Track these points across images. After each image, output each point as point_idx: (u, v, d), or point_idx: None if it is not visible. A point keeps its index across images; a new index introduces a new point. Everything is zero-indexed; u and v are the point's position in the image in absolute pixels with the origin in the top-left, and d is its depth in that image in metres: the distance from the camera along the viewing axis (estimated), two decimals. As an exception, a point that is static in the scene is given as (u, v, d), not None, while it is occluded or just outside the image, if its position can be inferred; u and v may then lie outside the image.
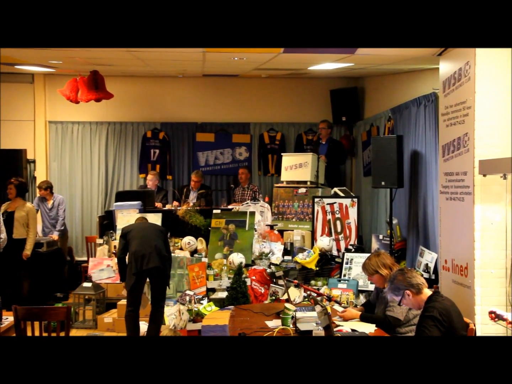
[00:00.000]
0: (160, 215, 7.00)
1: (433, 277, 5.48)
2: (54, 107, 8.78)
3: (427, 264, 5.68)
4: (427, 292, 3.42)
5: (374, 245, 6.81)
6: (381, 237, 6.74)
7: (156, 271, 5.24)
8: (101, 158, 8.89)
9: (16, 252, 6.64)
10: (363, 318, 3.99)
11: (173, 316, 5.62)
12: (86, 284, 6.37)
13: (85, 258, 8.14)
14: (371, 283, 5.35)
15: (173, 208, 7.53)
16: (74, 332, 6.01)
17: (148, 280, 5.45)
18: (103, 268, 6.72)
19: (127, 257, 5.33)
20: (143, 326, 5.52)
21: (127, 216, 6.87)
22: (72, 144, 8.86)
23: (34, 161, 8.78)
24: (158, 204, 7.80)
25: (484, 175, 4.15)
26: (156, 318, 5.35)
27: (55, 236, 7.64)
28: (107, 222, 7.43)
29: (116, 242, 6.61)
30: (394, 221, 6.51)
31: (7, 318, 4.45)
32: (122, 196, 7.61)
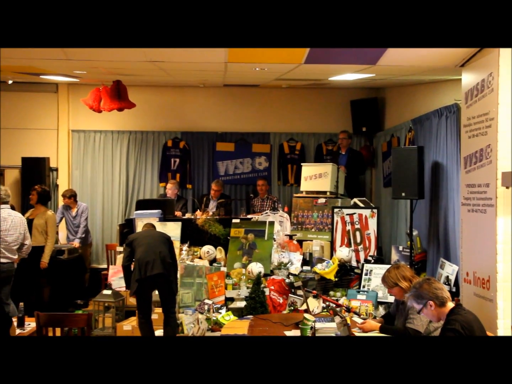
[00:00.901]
0: (179, 223, 7.03)
1: (453, 289, 5.42)
2: (77, 116, 8.91)
3: (447, 277, 5.62)
4: (450, 305, 3.36)
5: (394, 256, 6.75)
6: (401, 248, 6.69)
7: (160, 278, 5.31)
8: (122, 166, 8.98)
9: (34, 260, 6.69)
10: (383, 330, 3.96)
11: (191, 325, 5.64)
12: (106, 292, 6.41)
13: (105, 266, 8.21)
14: (390, 295, 5.31)
15: (192, 217, 7.56)
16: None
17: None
18: (122, 276, 6.76)
19: (132, 264, 5.42)
20: (159, 334, 5.56)
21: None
22: (94, 152, 8.96)
23: (56, 169, 8.90)
24: (178, 213, 7.84)
25: (507, 187, 4.11)
26: (169, 325, 5.38)
27: (76, 243, 7.73)
28: (127, 230, 7.48)
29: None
30: (414, 233, 6.46)
31: (29, 324, 4.52)
32: (142, 204, 7.67)
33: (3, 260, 5.49)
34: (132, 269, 5.46)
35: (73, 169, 8.97)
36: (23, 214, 7.29)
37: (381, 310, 5.77)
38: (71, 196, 7.92)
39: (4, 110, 8.74)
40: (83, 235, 7.90)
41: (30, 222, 6.87)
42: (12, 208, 6.58)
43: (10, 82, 8.20)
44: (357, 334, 3.96)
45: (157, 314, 5.77)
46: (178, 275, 6.22)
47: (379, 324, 4.04)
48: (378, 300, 5.98)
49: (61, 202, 8.80)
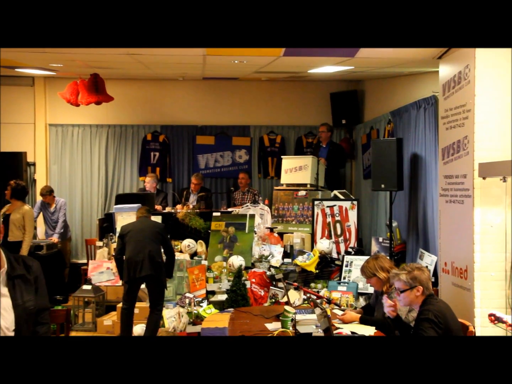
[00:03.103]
0: (159, 217, 7.00)
1: (432, 279, 5.47)
2: (54, 110, 8.80)
3: (426, 267, 5.66)
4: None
5: (374, 247, 6.81)
6: (381, 239, 6.75)
7: (149, 279, 5.39)
8: (101, 161, 8.89)
9: None
10: (363, 321, 3.99)
11: (172, 318, 5.63)
12: (86, 287, 6.37)
13: (85, 261, 8.14)
14: (370, 285, 5.35)
15: (173, 211, 7.53)
16: (73, 335, 6.02)
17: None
18: (102, 271, 6.72)
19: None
20: (141, 328, 5.57)
21: (127, 218, 6.87)
22: (72, 147, 8.86)
23: (34, 164, 8.79)
24: (158, 207, 7.80)
25: (484, 178, 4.16)
26: (152, 321, 5.45)
27: (54, 238, 7.65)
28: (107, 225, 7.44)
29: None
30: (394, 224, 6.52)
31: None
32: (122, 198, 7.62)
33: None
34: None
35: (51, 164, 8.86)
36: (0, 209, 7.20)
37: (362, 301, 5.82)
38: (50, 192, 7.83)
39: (-21, 104, 8.61)
40: (62, 230, 7.82)
41: (7, 217, 6.78)
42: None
43: (-15, 75, 8.05)
44: (337, 325, 3.98)
45: (138, 308, 5.75)
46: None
47: (359, 315, 4.07)
48: (359, 291, 6.03)
49: (39, 197, 8.70)
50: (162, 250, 5.62)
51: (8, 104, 8.70)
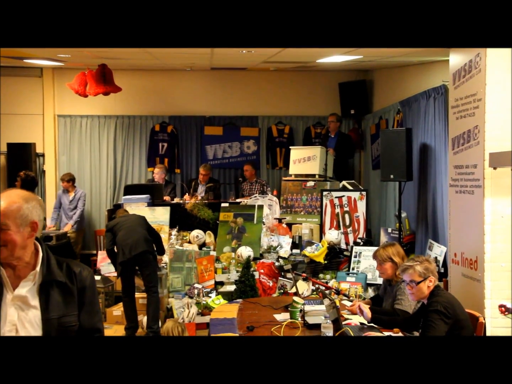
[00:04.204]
0: (168, 208, 7.01)
1: (442, 270, 5.46)
2: (62, 101, 8.81)
3: (436, 258, 5.65)
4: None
5: (383, 238, 6.78)
6: (389, 230, 6.72)
7: (143, 256, 5.54)
8: (109, 151, 8.91)
9: None
10: (372, 311, 3.97)
11: (181, 309, 5.65)
12: (95, 277, 6.39)
13: (94, 252, 8.18)
14: (379, 275, 5.33)
15: (181, 201, 7.54)
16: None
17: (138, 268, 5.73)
18: (111, 262, 6.74)
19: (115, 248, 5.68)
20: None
21: (135, 209, 6.88)
22: (81, 137, 8.88)
23: (43, 155, 8.82)
24: (167, 198, 7.81)
25: (495, 168, 4.11)
26: (151, 304, 5.56)
27: (68, 226, 7.76)
28: (115, 216, 7.45)
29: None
30: (403, 215, 6.49)
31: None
32: (131, 189, 7.62)
33: None
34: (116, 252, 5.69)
35: (59, 155, 8.88)
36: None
37: (371, 292, 5.81)
38: (70, 180, 7.97)
39: (-12, 95, 8.63)
40: (78, 219, 7.92)
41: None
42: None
43: (-7, 66, 8.07)
44: (346, 316, 3.98)
45: (144, 299, 5.79)
46: (167, 260, 6.23)
47: (368, 306, 4.06)
48: (368, 282, 6.01)
49: (48, 187, 8.75)
50: None
51: (17, 95, 8.72)
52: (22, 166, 7.78)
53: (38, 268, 2.05)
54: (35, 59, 7.39)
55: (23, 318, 2.00)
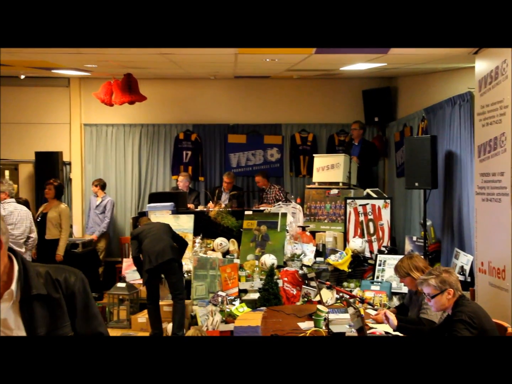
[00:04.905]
0: (192, 216, 7.05)
1: (468, 279, 5.38)
2: (89, 110, 8.94)
3: (462, 267, 5.58)
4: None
5: (408, 247, 6.72)
6: (414, 238, 6.65)
7: (170, 263, 5.62)
8: (134, 159, 9.01)
9: (49, 253, 6.79)
10: (400, 328, 3.93)
11: (205, 317, 5.67)
12: (120, 285, 6.46)
13: (118, 259, 8.27)
14: (404, 285, 5.28)
15: (205, 209, 7.58)
16: (108, 332, 6.11)
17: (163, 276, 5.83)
18: (136, 269, 6.80)
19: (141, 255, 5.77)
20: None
21: (159, 217, 6.94)
22: (106, 146, 9.00)
23: (69, 163, 8.95)
24: (191, 206, 7.86)
25: (522, 176, 4.06)
26: (177, 312, 5.61)
27: (95, 236, 7.89)
28: (138, 224, 7.52)
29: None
30: (428, 223, 6.42)
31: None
32: (155, 197, 7.69)
33: None
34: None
35: (86, 163, 9.01)
36: (37, 208, 7.38)
37: (395, 301, 5.75)
38: (98, 184, 8.24)
39: (17, 105, 8.82)
40: (104, 230, 8.07)
41: (44, 216, 6.94)
42: (26, 202, 6.64)
43: (22, 77, 8.24)
44: (371, 325, 3.95)
45: (169, 306, 5.82)
46: (192, 267, 6.26)
47: (394, 314, 4.02)
48: (392, 290, 5.95)
49: (74, 195, 8.88)
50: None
51: (44, 104, 8.90)
52: (50, 174, 7.92)
53: (13, 286, 1.80)
54: (62, 70, 7.53)
55: None
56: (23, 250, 5.81)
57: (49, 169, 8.33)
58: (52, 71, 7.64)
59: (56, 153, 8.60)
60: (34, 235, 5.93)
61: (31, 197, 8.44)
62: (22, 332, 1.82)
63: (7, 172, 8.81)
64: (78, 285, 1.94)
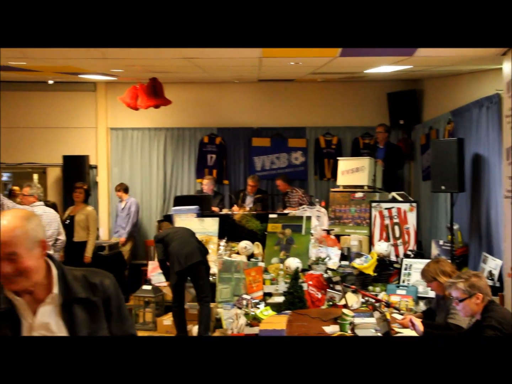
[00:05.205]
0: (217, 219, 7.08)
1: (497, 284, 5.29)
2: (115, 114, 9.05)
3: (490, 271, 5.49)
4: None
5: (434, 251, 6.64)
6: (441, 242, 6.57)
7: (199, 265, 5.67)
8: (159, 163, 9.08)
9: (77, 255, 6.89)
10: (424, 326, 3.89)
11: (230, 320, 5.68)
12: (146, 287, 6.52)
13: (144, 262, 8.34)
14: (431, 289, 5.22)
15: (230, 212, 7.60)
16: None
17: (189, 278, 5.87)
18: (162, 272, 6.85)
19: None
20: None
21: (185, 220, 6.99)
22: (132, 150, 9.09)
23: (96, 167, 9.07)
24: (215, 209, 7.89)
25: (552, 179, 3.98)
26: (203, 314, 5.66)
27: (123, 238, 8.00)
28: (160, 229, 7.57)
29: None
30: (455, 226, 6.33)
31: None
32: (180, 200, 7.74)
33: None
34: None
35: (112, 167, 9.12)
36: (65, 211, 7.49)
37: (422, 306, 5.68)
38: (120, 189, 8.36)
39: (45, 109, 8.98)
40: (129, 229, 8.17)
41: (72, 219, 7.04)
42: (54, 205, 6.74)
43: (50, 82, 8.38)
44: (396, 329, 3.91)
45: (195, 309, 5.86)
46: (216, 270, 6.28)
47: (420, 320, 3.98)
48: (419, 295, 5.89)
49: (101, 198, 9.00)
50: None
51: (71, 109, 9.04)
52: (77, 178, 8.04)
53: (55, 289, 1.86)
54: (89, 74, 7.64)
55: None
56: (51, 252, 5.90)
57: (76, 173, 8.45)
58: (79, 76, 7.75)
59: (83, 157, 8.73)
60: (62, 237, 6.03)
61: (58, 200, 8.57)
62: (64, 335, 1.86)
63: (35, 176, 8.97)
64: (112, 288, 1.98)
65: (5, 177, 9.42)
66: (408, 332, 3.83)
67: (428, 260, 4.91)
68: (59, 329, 1.86)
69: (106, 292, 1.95)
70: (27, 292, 1.84)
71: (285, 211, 7.54)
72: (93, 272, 1.99)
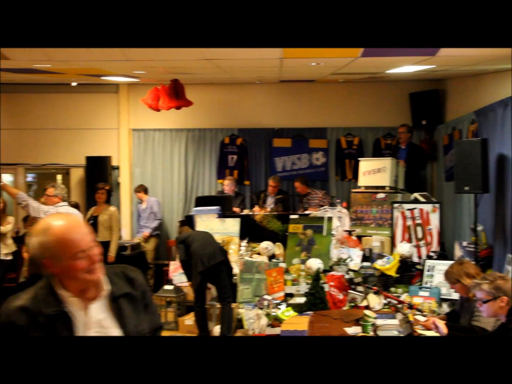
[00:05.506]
0: (238, 220, 7.09)
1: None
2: (137, 115, 9.13)
3: (515, 273, 5.41)
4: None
5: (458, 252, 6.56)
6: (465, 244, 6.49)
7: (221, 265, 5.69)
8: (180, 164, 9.13)
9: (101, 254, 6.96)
10: (448, 328, 3.85)
11: (251, 320, 5.68)
12: (168, 287, 6.55)
13: (166, 262, 8.39)
14: (454, 291, 5.17)
15: (251, 213, 7.61)
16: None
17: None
18: (183, 272, 6.89)
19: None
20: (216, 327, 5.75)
21: (206, 221, 7.01)
22: (154, 150, 9.16)
23: (118, 168, 9.15)
24: (236, 209, 7.90)
25: None
26: (225, 314, 5.65)
27: (146, 232, 8.10)
28: (181, 232, 7.62)
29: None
30: (479, 228, 6.25)
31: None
32: (202, 201, 7.77)
33: None
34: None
35: (134, 167, 9.19)
36: (87, 211, 7.57)
37: (445, 307, 5.62)
38: (138, 190, 8.46)
39: (68, 111, 9.10)
40: (154, 226, 8.24)
41: (95, 219, 7.12)
42: (76, 205, 6.83)
43: (74, 84, 8.49)
44: (419, 331, 3.88)
45: (218, 309, 5.87)
46: (238, 271, 6.30)
47: (443, 322, 3.94)
48: (442, 297, 5.83)
49: (123, 199, 9.09)
50: None
51: (94, 110, 9.14)
52: (99, 178, 8.12)
53: (108, 286, 1.97)
54: (112, 76, 7.72)
55: None
56: None
57: (99, 174, 8.54)
58: (102, 78, 7.83)
59: (106, 158, 8.81)
60: None
61: (81, 200, 8.67)
62: (116, 330, 1.95)
63: (59, 176, 9.09)
64: (145, 282, 2.11)
65: (29, 177, 9.57)
66: (431, 334, 3.79)
67: (451, 262, 4.86)
68: (111, 324, 1.95)
69: (142, 285, 2.07)
70: (80, 291, 1.93)
71: (306, 212, 7.53)
72: (128, 268, 2.11)
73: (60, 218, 1.95)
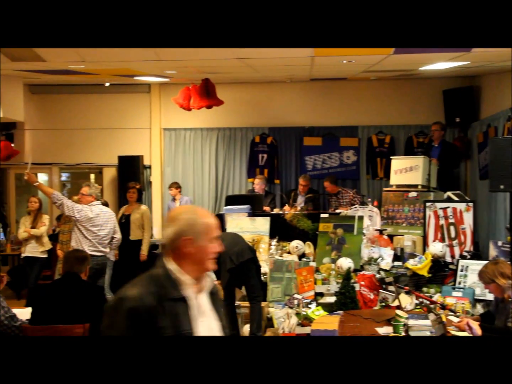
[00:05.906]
0: (268, 219, 7.08)
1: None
2: (168, 115, 9.21)
3: (552, 274, 5.27)
4: None
5: (492, 252, 6.42)
6: (500, 243, 6.35)
7: (249, 263, 5.68)
8: (211, 163, 9.18)
9: (133, 253, 7.06)
10: (482, 329, 3.78)
11: (281, 319, 5.68)
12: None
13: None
14: (489, 292, 5.06)
15: (281, 212, 7.60)
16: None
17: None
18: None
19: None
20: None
21: (236, 219, 7.03)
22: (185, 149, 9.23)
23: (150, 167, 9.25)
24: (266, 208, 7.90)
25: None
26: (255, 312, 5.65)
27: None
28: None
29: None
30: (515, 227, 6.12)
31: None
32: (232, 200, 7.79)
33: (96, 254, 5.82)
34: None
35: (165, 166, 9.28)
36: (119, 210, 7.68)
37: (479, 308, 5.51)
38: (177, 187, 8.46)
39: (101, 111, 9.25)
40: None
41: (127, 218, 7.21)
42: (106, 204, 6.94)
43: (107, 84, 8.62)
44: (453, 332, 3.81)
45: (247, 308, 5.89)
46: (268, 270, 6.30)
47: (477, 323, 3.87)
48: (476, 297, 5.71)
49: (154, 198, 9.18)
50: None
51: (126, 110, 9.26)
52: (132, 177, 8.22)
53: (214, 277, 2.13)
54: (144, 76, 7.81)
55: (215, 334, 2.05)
56: (107, 250, 6.06)
57: (131, 173, 8.64)
58: (134, 78, 7.94)
59: (138, 157, 8.92)
60: (118, 235, 6.19)
61: (114, 199, 8.80)
62: (215, 322, 2.09)
63: (92, 176, 9.25)
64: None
65: (64, 177, 9.77)
66: (465, 335, 3.72)
67: (485, 262, 4.76)
68: (213, 316, 2.09)
69: (215, 286, 2.20)
70: (196, 278, 2.05)
71: (337, 211, 7.48)
72: None
73: (195, 210, 2.10)
